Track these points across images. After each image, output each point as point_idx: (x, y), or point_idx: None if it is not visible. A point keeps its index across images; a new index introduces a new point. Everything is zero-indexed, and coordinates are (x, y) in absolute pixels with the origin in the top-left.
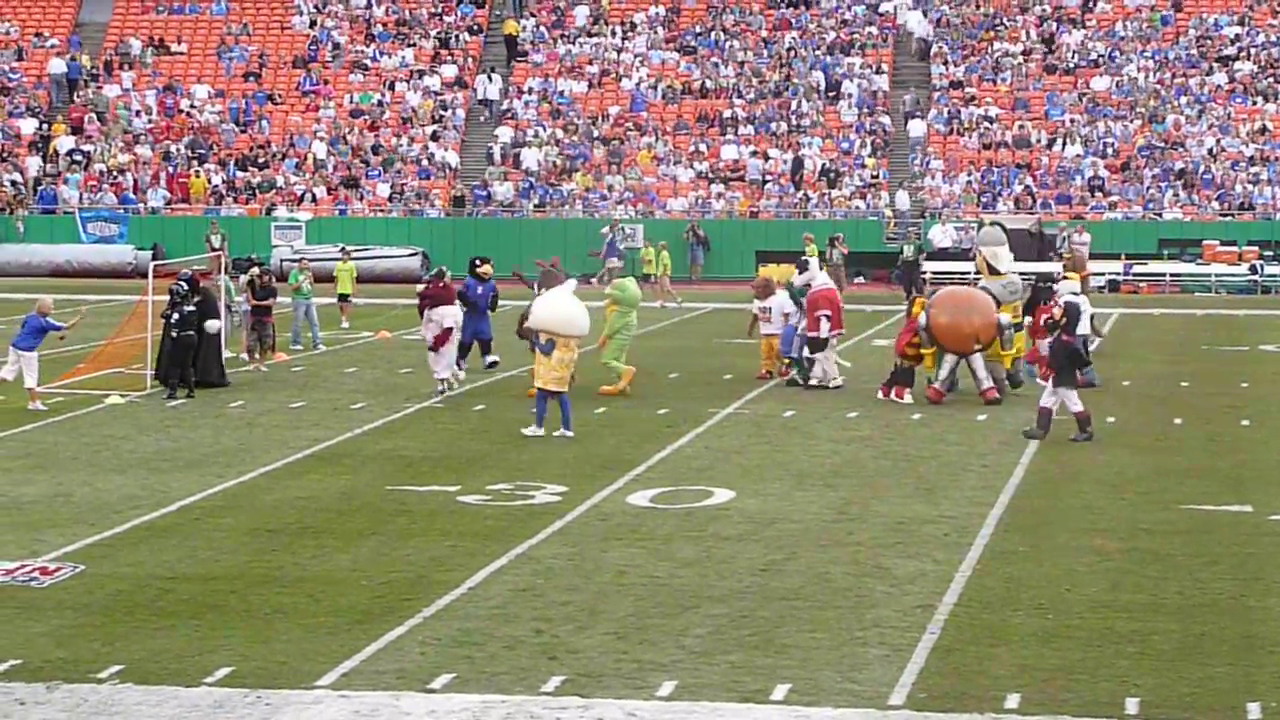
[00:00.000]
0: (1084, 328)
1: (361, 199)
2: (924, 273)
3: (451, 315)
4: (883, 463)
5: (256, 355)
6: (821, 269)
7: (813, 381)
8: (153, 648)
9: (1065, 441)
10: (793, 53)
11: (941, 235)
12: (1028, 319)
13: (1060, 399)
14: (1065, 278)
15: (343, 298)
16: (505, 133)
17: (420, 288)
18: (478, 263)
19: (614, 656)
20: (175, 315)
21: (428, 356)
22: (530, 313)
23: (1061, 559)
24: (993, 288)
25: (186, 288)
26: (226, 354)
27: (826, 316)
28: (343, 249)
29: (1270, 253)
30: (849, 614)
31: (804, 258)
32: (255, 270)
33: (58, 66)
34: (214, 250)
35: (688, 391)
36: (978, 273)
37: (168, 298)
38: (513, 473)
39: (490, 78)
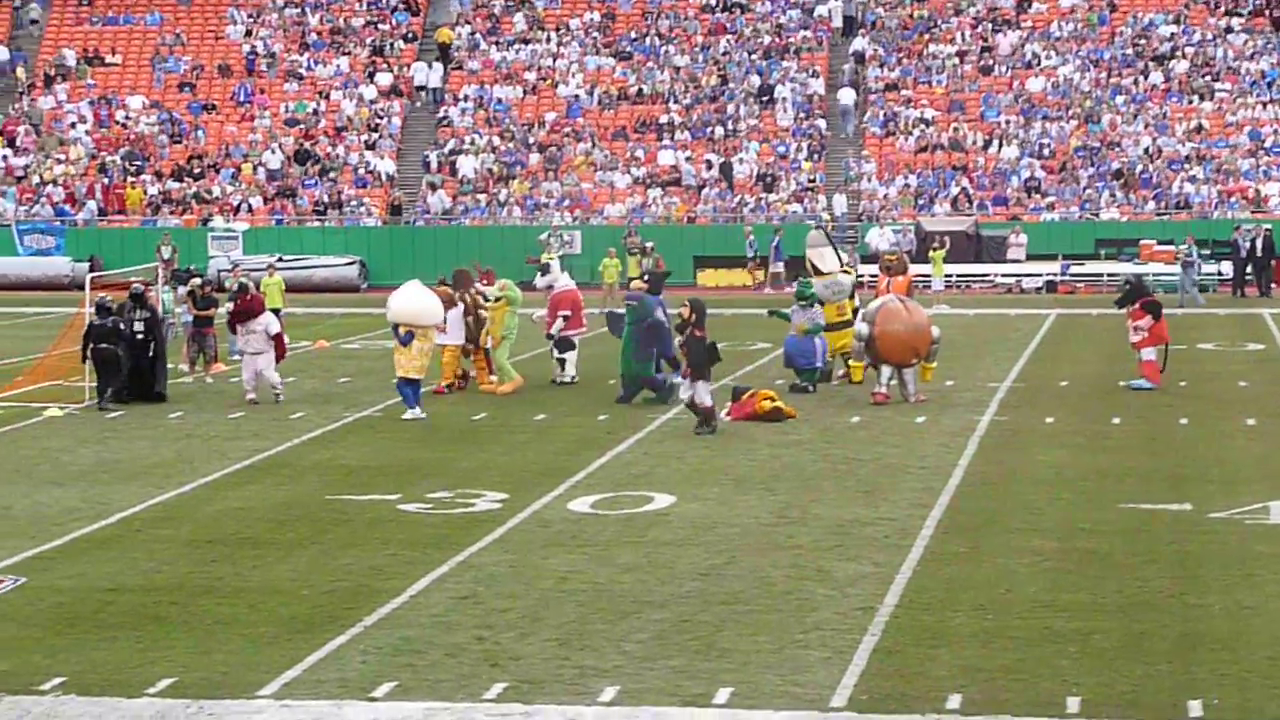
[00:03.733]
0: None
1: (298, 208)
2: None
3: (263, 323)
4: (822, 466)
5: (198, 366)
6: (565, 272)
7: (562, 379)
8: (95, 659)
9: (1006, 442)
10: (728, 57)
11: (879, 238)
12: (1132, 323)
13: (695, 392)
14: (845, 272)
15: (273, 312)
16: (442, 137)
17: (229, 306)
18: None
19: (556, 663)
20: (88, 328)
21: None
22: (387, 306)
23: (1001, 559)
24: (817, 287)
25: (109, 301)
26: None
27: (565, 316)
28: (270, 264)
29: (1207, 251)
30: (790, 617)
31: (544, 260)
32: (196, 281)
33: (2, 53)
34: (164, 261)
35: None
36: (806, 276)
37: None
38: (453, 481)
39: (431, 65)
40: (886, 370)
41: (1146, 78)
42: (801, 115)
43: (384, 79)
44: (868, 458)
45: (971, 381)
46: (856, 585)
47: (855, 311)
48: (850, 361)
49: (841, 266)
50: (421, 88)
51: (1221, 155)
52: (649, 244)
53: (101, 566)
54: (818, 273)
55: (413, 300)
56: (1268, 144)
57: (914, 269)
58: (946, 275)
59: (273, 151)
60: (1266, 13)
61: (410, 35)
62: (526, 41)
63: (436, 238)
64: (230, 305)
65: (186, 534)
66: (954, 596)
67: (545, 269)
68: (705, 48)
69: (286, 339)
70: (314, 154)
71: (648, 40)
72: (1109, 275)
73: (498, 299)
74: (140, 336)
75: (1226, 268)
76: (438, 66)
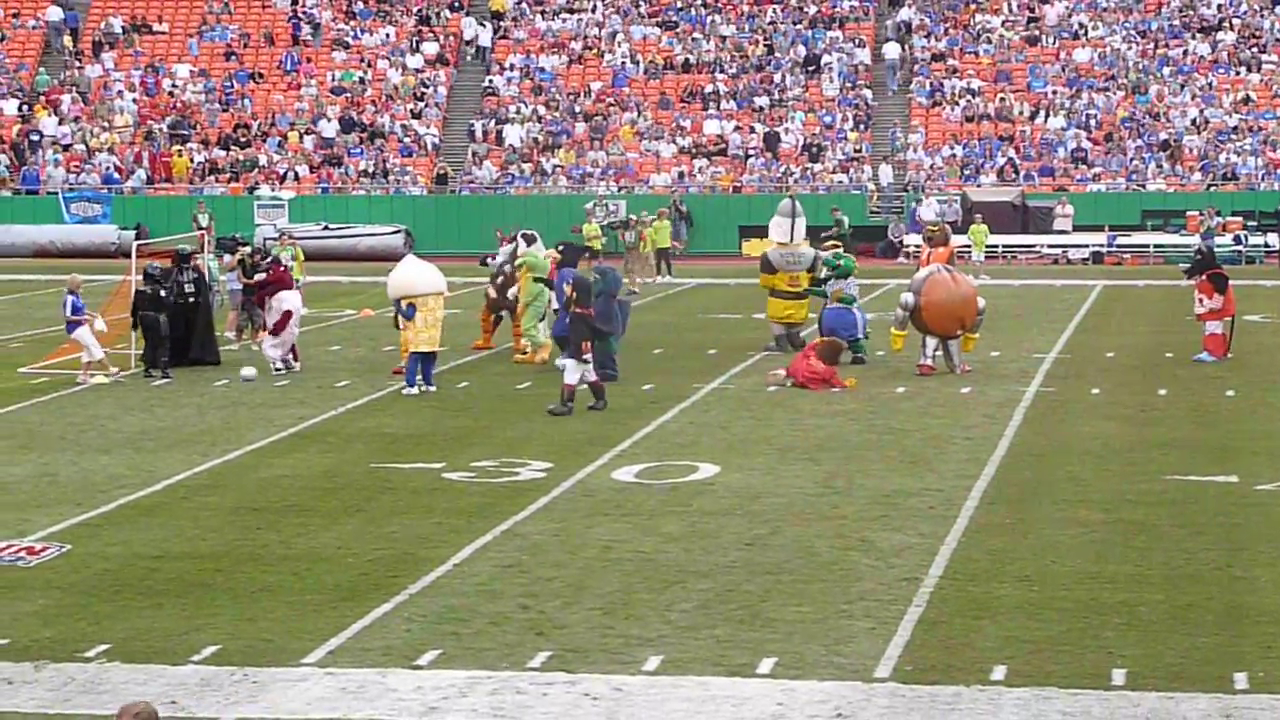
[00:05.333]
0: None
1: (346, 175)
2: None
3: (290, 300)
4: (867, 436)
5: (245, 335)
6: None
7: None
8: (139, 626)
9: (1051, 414)
10: (774, 26)
11: (925, 209)
12: (1201, 296)
13: (582, 372)
14: (833, 248)
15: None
16: (488, 106)
17: (260, 276)
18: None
19: (600, 632)
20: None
21: (264, 341)
22: (388, 283)
23: (1046, 531)
24: (771, 254)
25: (158, 271)
26: None
27: None
28: (282, 234)
29: (1254, 223)
30: (834, 587)
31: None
32: (246, 250)
33: (55, 14)
34: (201, 229)
35: (672, 366)
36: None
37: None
38: (497, 449)
39: (482, 24)
40: (931, 341)
41: (1193, 48)
42: (847, 85)
43: (430, 47)
44: (913, 428)
45: (1017, 352)
46: (901, 556)
47: (819, 282)
48: (893, 330)
49: (806, 240)
50: (470, 42)
51: (1269, 127)
52: (632, 218)
53: (147, 534)
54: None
55: (409, 272)
56: None
57: (956, 240)
58: (992, 246)
59: (329, 120)
60: None
61: (456, 4)
62: (572, 11)
63: (482, 206)
64: (262, 276)
65: (232, 501)
66: (999, 568)
67: (531, 239)
68: (751, 17)
69: (295, 318)
70: (359, 122)
71: (694, 9)
72: (1155, 246)
73: (518, 265)
74: (191, 300)
75: (1274, 239)
76: (488, 25)
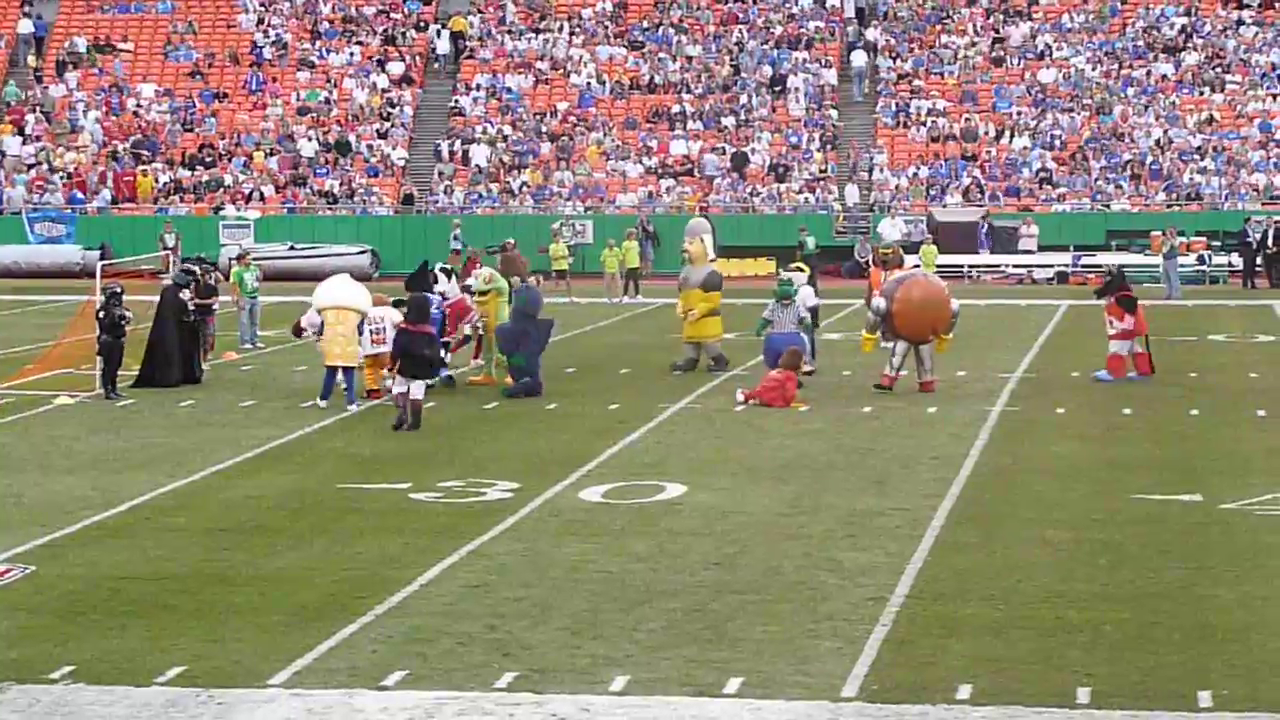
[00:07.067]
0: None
1: (315, 194)
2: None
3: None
4: (834, 456)
5: (210, 355)
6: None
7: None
8: (105, 648)
9: (1017, 433)
10: (740, 47)
11: (890, 228)
12: (1111, 318)
13: (407, 386)
14: (797, 269)
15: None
16: (455, 126)
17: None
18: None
19: (567, 652)
20: (104, 316)
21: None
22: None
23: (1013, 550)
24: (692, 273)
25: (120, 289)
26: None
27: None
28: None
29: (1218, 243)
30: (801, 607)
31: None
32: (197, 270)
33: (25, 26)
34: (167, 249)
35: (639, 386)
36: (689, 260)
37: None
38: (464, 469)
39: (440, 34)
40: (900, 348)
41: (1157, 68)
42: (813, 105)
43: (396, 67)
44: (879, 448)
45: (983, 372)
46: (868, 575)
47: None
48: (864, 333)
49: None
50: (433, 49)
51: (1232, 147)
52: (509, 241)
53: (112, 555)
54: (695, 259)
55: (320, 288)
56: (1279, 135)
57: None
58: (958, 266)
59: (308, 140)
60: (1276, 5)
61: (422, 24)
62: (538, 31)
63: (448, 226)
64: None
65: (198, 522)
66: (965, 587)
67: (446, 275)
68: (718, 37)
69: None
70: (324, 142)
71: (660, 30)
72: (1120, 266)
73: (485, 292)
74: (192, 318)
75: (1237, 259)
76: (445, 34)
